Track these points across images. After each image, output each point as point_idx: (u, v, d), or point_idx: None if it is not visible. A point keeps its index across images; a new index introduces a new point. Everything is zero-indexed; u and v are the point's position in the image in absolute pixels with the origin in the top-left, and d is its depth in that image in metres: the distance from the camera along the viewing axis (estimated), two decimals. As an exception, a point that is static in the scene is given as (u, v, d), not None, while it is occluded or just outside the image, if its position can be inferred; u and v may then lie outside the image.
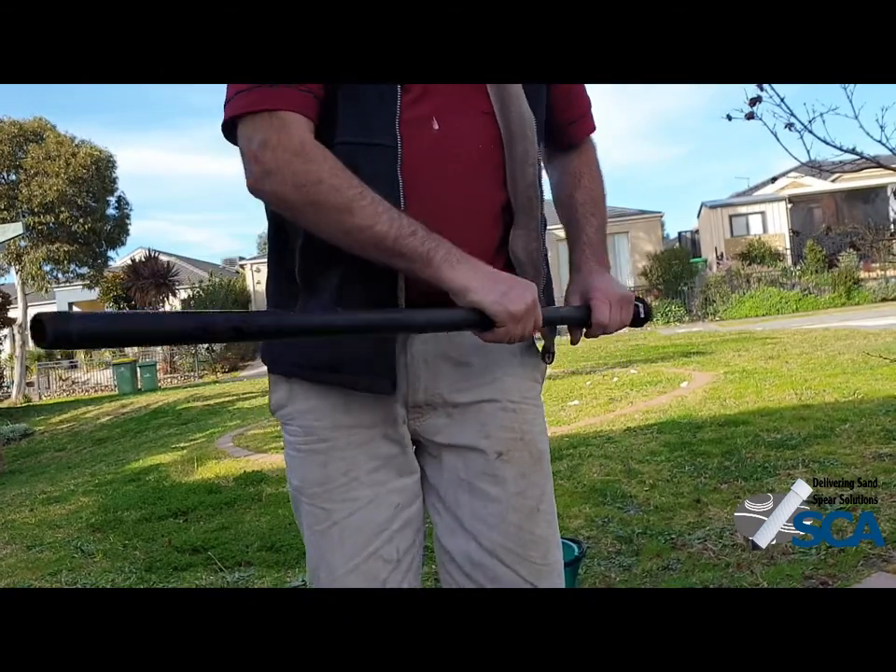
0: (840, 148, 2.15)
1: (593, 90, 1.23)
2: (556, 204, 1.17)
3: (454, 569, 1.04)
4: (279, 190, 0.89)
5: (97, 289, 22.35)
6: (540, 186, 1.04)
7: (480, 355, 1.02)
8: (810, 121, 2.08)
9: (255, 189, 0.92)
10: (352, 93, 0.93)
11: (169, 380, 20.10)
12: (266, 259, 1.08)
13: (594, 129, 1.18)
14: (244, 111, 0.91)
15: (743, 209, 22.86)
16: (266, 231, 1.07)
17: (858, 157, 2.18)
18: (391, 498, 1.00)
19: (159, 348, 22.32)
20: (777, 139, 2.13)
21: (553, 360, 1.08)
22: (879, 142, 2.10)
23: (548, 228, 1.08)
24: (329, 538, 0.99)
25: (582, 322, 1.03)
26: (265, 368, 1.08)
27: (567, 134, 1.15)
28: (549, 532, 1.05)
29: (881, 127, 2.05)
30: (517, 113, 0.98)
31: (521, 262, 0.99)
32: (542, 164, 1.07)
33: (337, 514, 0.98)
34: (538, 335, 1.03)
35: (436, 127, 0.94)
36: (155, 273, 20.38)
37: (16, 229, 12.22)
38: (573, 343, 1.06)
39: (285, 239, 1.00)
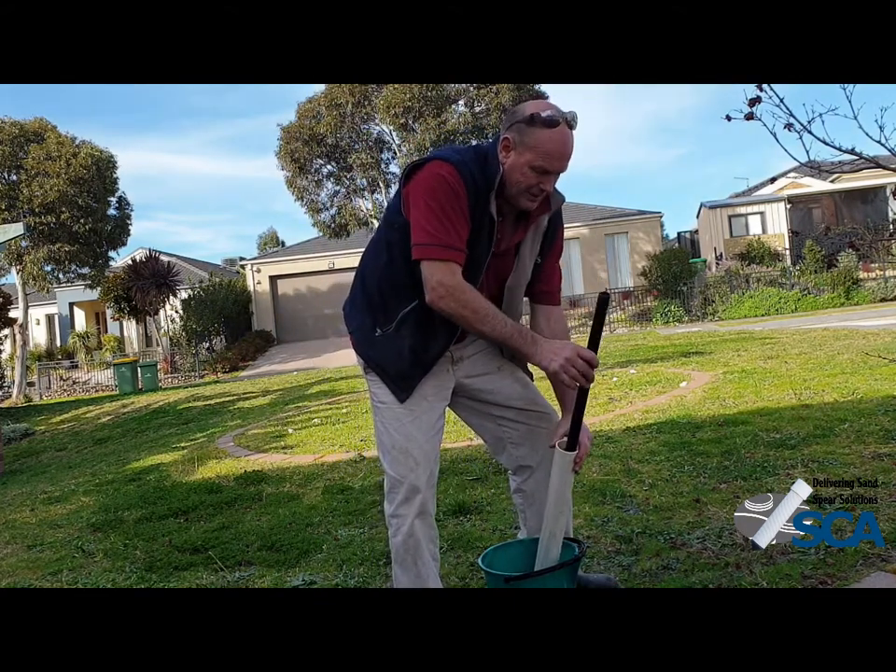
0: (839, 149, 2.15)
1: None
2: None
3: (516, 415, 2.03)
4: (450, 306, 1.76)
5: (98, 289, 22.35)
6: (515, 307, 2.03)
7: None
8: (809, 122, 2.08)
9: (432, 303, 1.77)
10: (468, 261, 1.80)
11: (169, 380, 20.10)
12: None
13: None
14: (431, 257, 1.75)
15: (742, 209, 22.87)
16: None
17: (857, 157, 2.18)
18: (440, 406, 1.99)
19: (159, 348, 22.35)
20: (777, 139, 2.13)
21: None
22: (878, 142, 2.10)
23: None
24: (415, 424, 1.91)
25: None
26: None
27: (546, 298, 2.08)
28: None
29: (880, 127, 2.05)
30: (517, 289, 2.00)
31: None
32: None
33: (417, 411, 1.92)
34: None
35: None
36: (156, 274, 20.37)
37: (17, 229, 12.20)
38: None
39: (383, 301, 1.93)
